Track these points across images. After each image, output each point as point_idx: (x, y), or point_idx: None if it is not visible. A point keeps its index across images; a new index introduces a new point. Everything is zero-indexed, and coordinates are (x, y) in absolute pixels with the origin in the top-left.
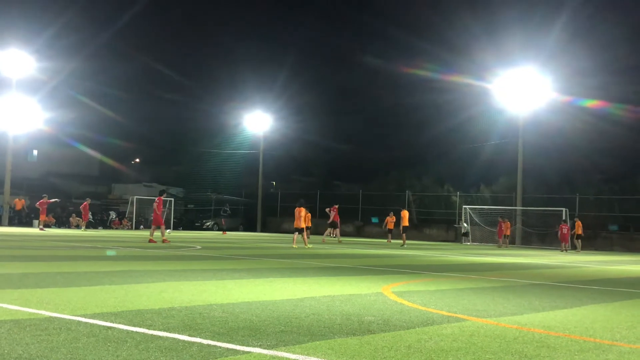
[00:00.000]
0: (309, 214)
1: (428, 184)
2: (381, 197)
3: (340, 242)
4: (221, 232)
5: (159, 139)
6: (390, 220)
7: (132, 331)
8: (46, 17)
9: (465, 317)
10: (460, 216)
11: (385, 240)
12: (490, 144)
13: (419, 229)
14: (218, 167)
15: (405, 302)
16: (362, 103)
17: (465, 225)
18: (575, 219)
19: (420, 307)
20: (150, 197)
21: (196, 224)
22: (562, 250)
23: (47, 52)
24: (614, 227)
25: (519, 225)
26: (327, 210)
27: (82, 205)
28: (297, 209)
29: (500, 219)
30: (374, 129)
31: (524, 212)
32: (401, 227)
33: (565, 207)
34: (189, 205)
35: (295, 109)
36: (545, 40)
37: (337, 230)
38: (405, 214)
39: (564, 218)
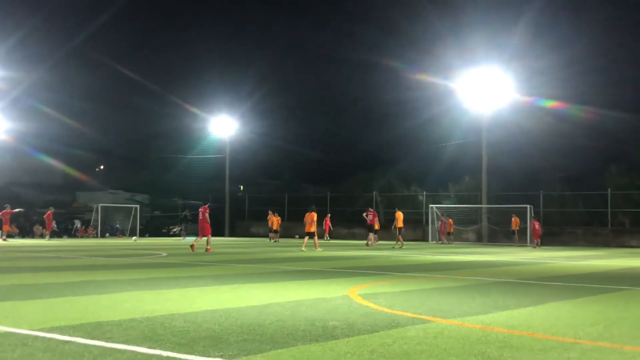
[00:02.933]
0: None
1: (394, 184)
2: (349, 199)
3: (369, 245)
4: (181, 238)
5: (124, 145)
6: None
7: (90, 344)
8: (7, 26)
9: (430, 318)
10: (427, 215)
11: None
12: (454, 144)
13: (387, 229)
14: (184, 172)
15: (371, 305)
16: (328, 104)
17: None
18: (512, 216)
19: (385, 310)
20: (116, 205)
21: (163, 230)
22: (533, 247)
23: (8, 61)
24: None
25: (484, 223)
26: (364, 214)
27: (46, 215)
28: (308, 213)
29: (442, 217)
30: (340, 130)
31: (489, 210)
32: (397, 228)
33: (530, 204)
34: (155, 212)
35: (260, 112)
36: (507, 40)
37: (374, 235)
38: (399, 215)
39: (532, 215)
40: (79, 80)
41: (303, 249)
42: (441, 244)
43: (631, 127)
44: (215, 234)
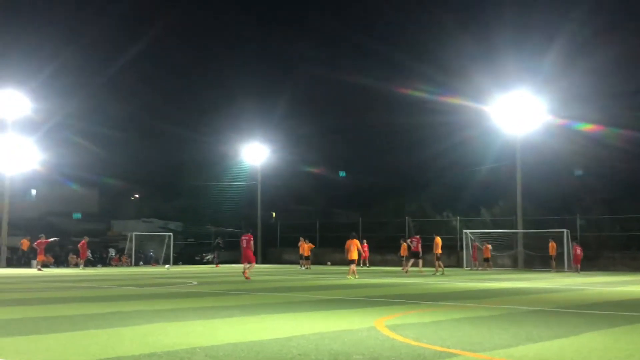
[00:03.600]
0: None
1: (426, 208)
2: (381, 225)
3: (421, 272)
4: (214, 266)
5: (157, 174)
6: (404, 247)
7: None
8: (41, 58)
9: (458, 351)
10: (461, 241)
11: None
12: (487, 167)
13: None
14: (216, 200)
15: (398, 337)
16: (359, 129)
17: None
18: (549, 240)
19: (412, 342)
20: (150, 233)
21: (196, 258)
22: (575, 272)
23: (42, 93)
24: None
25: (520, 248)
26: (408, 241)
27: (80, 244)
28: (349, 241)
29: (474, 243)
30: (372, 155)
31: (525, 235)
32: (435, 254)
33: (567, 229)
34: (188, 240)
35: (292, 139)
36: (541, 63)
37: (420, 261)
38: (438, 240)
39: (571, 239)
40: (111, 110)
41: (349, 276)
42: (475, 270)
43: None
44: None
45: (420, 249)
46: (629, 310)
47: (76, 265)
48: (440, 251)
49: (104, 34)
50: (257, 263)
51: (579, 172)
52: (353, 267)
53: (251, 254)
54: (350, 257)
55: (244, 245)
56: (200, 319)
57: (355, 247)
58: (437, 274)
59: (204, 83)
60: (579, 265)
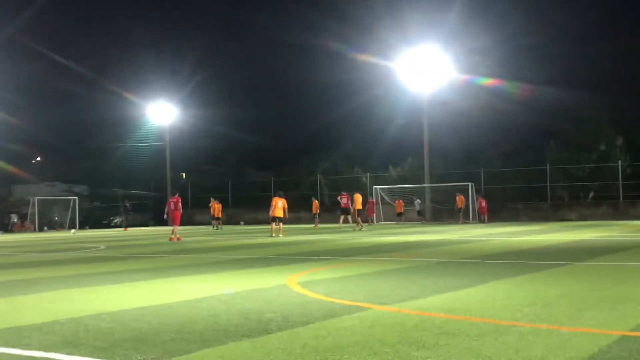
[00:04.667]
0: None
1: (338, 166)
2: (293, 183)
3: (356, 226)
4: (123, 229)
5: (60, 136)
6: (316, 204)
7: (4, 353)
8: None
9: (367, 305)
10: (371, 196)
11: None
12: (396, 125)
13: (332, 211)
14: (123, 162)
15: (309, 293)
16: (268, 88)
17: (419, 201)
18: (457, 194)
19: (323, 298)
20: (54, 197)
21: (104, 222)
22: (482, 222)
23: None
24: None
25: (427, 202)
26: (338, 198)
27: None
28: (275, 198)
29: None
30: (282, 114)
31: (432, 189)
32: (355, 211)
33: (471, 182)
34: (95, 203)
35: (200, 98)
36: (445, 18)
37: (349, 217)
38: (358, 197)
39: (481, 192)
40: (9, 71)
41: (280, 234)
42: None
43: (567, 103)
44: (158, 223)
45: (350, 205)
46: (532, 258)
47: None
48: (360, 207)
49: None
50: (166, 225)
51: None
52: (280, 225)
53: (179, 216)
54: (274, 214)
55: (172, 208)
56: (107, 284)
57: (281, 205)
58: (357, 229)
59: (106, 39)
60: (485, 216)
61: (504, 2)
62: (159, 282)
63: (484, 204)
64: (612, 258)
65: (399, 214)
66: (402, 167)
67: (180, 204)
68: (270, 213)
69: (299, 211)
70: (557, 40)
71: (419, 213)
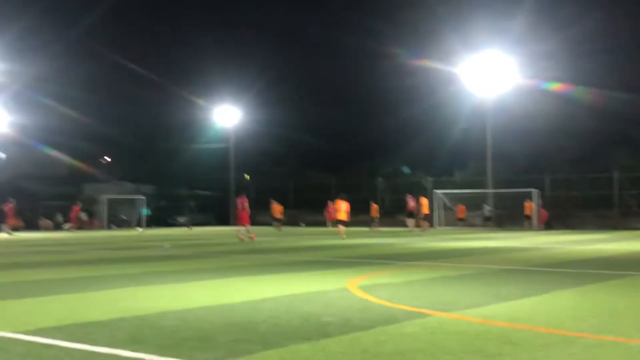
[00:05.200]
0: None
1: (400, 170)
2: (354, 186)
3: (412, 231)
4: (187, 228)
5: (129, 137)
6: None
7: (72, 348)
8: (7, 18)
9: (429, 311)
10: (433, 201)
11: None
12: (459, 129)
13: (392, 215)
14: (189, 163)
15: (370, 298)
16: (331, 91)
17: (488, 207)
18: (525, 200)
19: (384, 303)
20: (121, 197)
21: (169, 221)
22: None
23: (9, 54)
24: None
25: (491, 207)
26: (410, 200)
27: (7, 207)
28: (337, 201)
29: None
30: (344, 118)
31: (495, 195)
32: (422, 215)
33: (537, 189)
34: (161, 202)
35: (264, 101)
36: (510, 23)
37: (412, 220)
38: (424, 201)
39: (542, 201)
40: (81, 72)
41: (343, 236)
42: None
43: (637, 109)
44: (221, 223)
45: (413, 209)
46: (598, 268)
47: (58, 226)
48: (427, 211)
49: None
50: (229, 225)
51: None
52: (342, 228)
53: (246, 216)
54: (339, 217)
55: (240, 208)
56: (172, 282)
57: (345, 208)
58: (424, 233)
59: (174, 45)
60: (543, 225)
61: (573, 3)
62: (222, 282)
63: (543, 213)
64: None
65: (461, 219)
66: (465, 172)
67: (247, 204)
68: (337, 216)
69: (358, 214)
70: (629, 44)
71: (487, 219)
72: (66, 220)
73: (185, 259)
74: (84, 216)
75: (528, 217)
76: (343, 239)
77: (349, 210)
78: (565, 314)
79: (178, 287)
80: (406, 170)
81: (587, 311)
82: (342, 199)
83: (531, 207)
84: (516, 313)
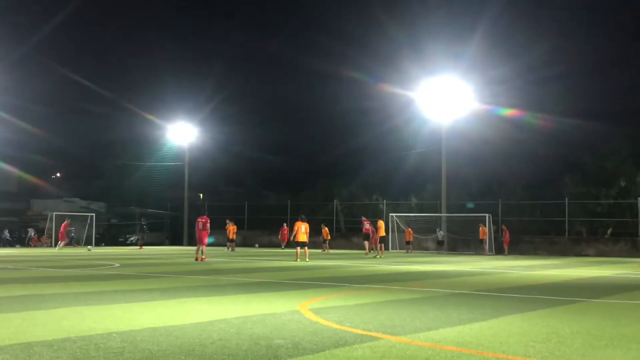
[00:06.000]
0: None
1: (356, 193)
2: (309, 207)
3: (372, 255)
4: (138, 247)
5: (80, 153)
6: (325, 230)
7: None
8: None
9: (379, 335)
10: (387, 224)
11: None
12: (415, 153)
13: (347, 237)
14: (142, 180)
15: (321, 321)
16: (288, 112)
17: (442, 232)
18: (480, 225)
19: (335, 326)
20: (71, 213)
21: (120, 240)
22: (502, 254)
23: None
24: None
25: (443, 231)
26: (367, 223)
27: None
28: (297, 222)
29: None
30: (301, 139)
31: (448, 219)
32: (378, 237)
33: (488, 213)
34: (112, 220)
35: (221, 119)
36: (465, 49)
37: (366, 243)
38: (381, 224)
39: (505, 223)
40: (34, 85)
41: (307, 259)
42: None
43: (588, 135)
44: (174, 242)
45: (371, 231)
46: (547, 293)
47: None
48: (384, 234)
49: (23, 4)
50: (182, 245)
51: (470, 204)
52: (306, 249)
53: (206, 236)
54: (299, 239)
55: (200, 228)
56: (120, 302)
57: (305, 229)
58: (378, 256)
59: (128, 60)
60: (506, 248)
61: (525, 32)
62: (172, 303)
63: (507, 235)
64: (629, 296)
65: (408, 242)
66: (420, 196)
67: (208, 224)
68: (294, 238)
69: (314, 236)
70: (578, 71)
71: (440, 243)
72: (14, 237)
73: (135, 279)
74: (32, 233)
75: (482, 242)
76: (306, 261)
77: (308, 231)
78: (513, 339)
79: (126, 307)
80: (470, 205)
81: (536, 336)
82: (302, 220)
83: (485, 231)
84: (465, 337)
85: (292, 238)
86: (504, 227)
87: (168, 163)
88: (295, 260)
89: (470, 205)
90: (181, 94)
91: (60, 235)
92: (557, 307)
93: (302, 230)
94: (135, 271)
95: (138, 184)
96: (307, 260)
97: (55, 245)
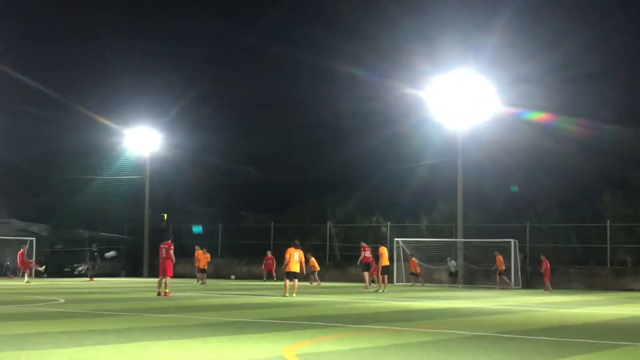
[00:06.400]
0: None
1: (353, 213)
2: (297, 231)
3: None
4: (88, 279)
5: (18, 165)
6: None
7: None
8: None
9: None
10: (391, 251)
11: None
12: (425, 165)
13: (342, 267)
14: (93, 198)
15: None
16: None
17: (453, 263)
18: (496, 253)
19: None
20: (6, 237)
21: (65, 269)
22: (547, 290)
23: None
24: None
25: (460, 260)
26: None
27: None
28: (288, 249)
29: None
30: (289, 148)
31: (465, 245)
32: (379, 267)
33: (514, 238)
34: (56, 246)
35: (190, 123)
36: (486, 40)
37: (365, 274)
38: (383, 251)
39: (543, 251)
40: None
41: (294, 294)
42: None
43: (632, 145)
44: (132, 273)
45: (372, 259)
46: (583, 336)
47: None
48: (387, 263)
49: None
50: (142, 276)
51: (514, 188)
52: (295, 282)
53: (171, 266)
54: (290, 268)
55: (164, 255)
56: (65, 346)
57: (298, 258)
58: (380, 290)
59: (79, 57)
60: (549, 283)
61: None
62: (129, 347)
63: (548, 266)
64: None
65: (413, 274)
66: (431, 217)
67: (172, 251)
68: (285, 267)
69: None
70: (625, 68)
71: (452, 275)
72: None
73: (84, 317)
74: None
75: (501, 273)
76: (293, 296)
77: (302, 260)
78: None
79: (73, 353)
80: (514, 188)
81: None
82: (296, 247)
83: (501, 260)
84: None
85: (282, 268)
86: (542, 258)
87: (125, 177)
88: (284, 295)
89: (515, 189)
90: (142, 93)
91: (23, 265)
92: (596, 352)
93: (295, 258)
94: (84, 308)
95: (88, 202)
96: (295, 295)
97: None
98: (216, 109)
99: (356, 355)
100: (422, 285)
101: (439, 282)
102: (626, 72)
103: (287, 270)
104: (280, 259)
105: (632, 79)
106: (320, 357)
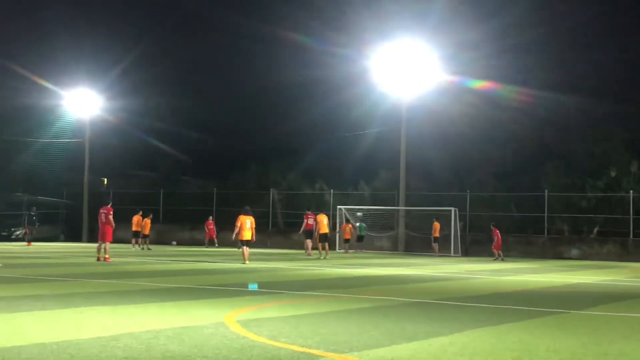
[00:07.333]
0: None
1: (296, 180)
2: (240, 197)
3: (309, 255)
4: (26, 244)
5: None
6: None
7: None
8: None
9: (321, 352)
10: (334, 218)
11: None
12: (369, 133)
13: (285, 234)
14: (31, 161)
15: (250, 335)
16: (216, 81)
17: (358, 223)
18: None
19: (267, 341)
20: None
21: (3, 234)
22: (498, 259)
23: None
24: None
25: (401, 228)
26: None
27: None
28: (240, 216)
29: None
30: (231, 113)
31: (407, 213)
32: (319, 235)
33: (455, 207)
34: None
35: (131, 86)
36: (429, 10)
37: (308, 242)
38: (321, 218)
39: (493, 222)
40: None
41: (247, 261)
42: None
43: (575, 116)
44: (71, 238)
45: (311, 227)
46: (521, 303)
47: None
48: (326, 230)
49: None
50: (81, 241)
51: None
52: (245, 250)
53: (110, 231)
54: (243, 236)
55: (103, 220)
56: (4, 312)
57: (250, 225)
58: (322, 257)
59: (15, 10)
60: (500, 252)
61: None
62: (67, 313)
63: (499, 236)
64: (616, 308)
65: (347, 241)
66: (374, 185)
67: (111, 215)
68: (238, 235)
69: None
70: (567, 36)
71: (360, 239)
72: None
73: (21, 283)
74: None
75: (435, 240)
76: (246, 264)
77: (254, 227)
78: (480, 357)
79: (9, 318)
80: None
81: (505, 354)
82: (247, 213)
83: (437, 228)
84: (423, 355)
85: (234, 235)
86: (493, 227)
87: (64, 140)
88: (244, 263)
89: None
90: (82, 53)
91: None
92: (531, 320)
93: (247, 225)
94: (21, 273)
95: (26, 165)
96: (247, 262)
97: None
98: (159, 72)
99: (297, 320)
100: (347, 252)
101: (381, 249)
102: (570, 40)
103: (240, 237)
104: (223, 225)
105: (576, 48)
106: (260, 323)
